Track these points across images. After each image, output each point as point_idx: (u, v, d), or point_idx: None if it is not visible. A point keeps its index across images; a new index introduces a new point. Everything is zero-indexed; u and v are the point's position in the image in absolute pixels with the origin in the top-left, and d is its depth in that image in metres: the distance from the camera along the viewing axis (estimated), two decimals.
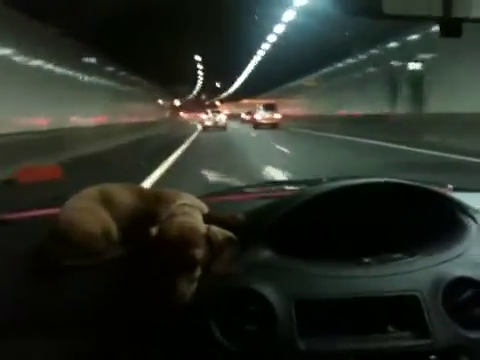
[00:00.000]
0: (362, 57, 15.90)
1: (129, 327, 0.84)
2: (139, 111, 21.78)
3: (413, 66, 11.72)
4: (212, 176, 5.08)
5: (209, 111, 25.38)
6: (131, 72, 20.21)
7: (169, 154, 8.61)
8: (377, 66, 14.16)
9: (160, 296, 0.81)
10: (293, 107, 27.21)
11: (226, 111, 28.91)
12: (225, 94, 55.94)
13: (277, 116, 20.99)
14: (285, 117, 23.90)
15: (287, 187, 1.43)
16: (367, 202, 1.00)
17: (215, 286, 0.83)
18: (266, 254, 0.89)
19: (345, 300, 0.83)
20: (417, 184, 1.02)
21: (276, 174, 5.97)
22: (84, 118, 12.59)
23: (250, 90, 40.65)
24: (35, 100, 9.26)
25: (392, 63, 12.95)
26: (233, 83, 43.93)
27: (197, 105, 59.38)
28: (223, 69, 30.89)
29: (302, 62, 19.34)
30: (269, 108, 21.62)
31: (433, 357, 0.80)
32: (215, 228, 0.87)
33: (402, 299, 0.84)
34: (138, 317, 0.84)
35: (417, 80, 11.12)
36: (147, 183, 5.26)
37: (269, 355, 0.80)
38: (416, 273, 0.87)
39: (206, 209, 0.96)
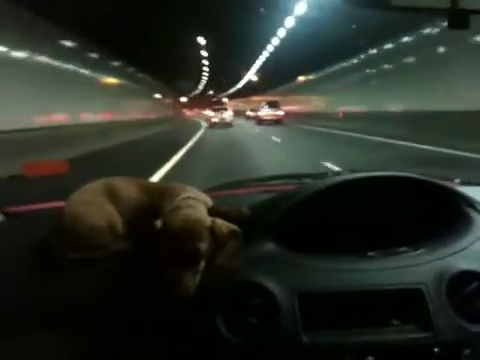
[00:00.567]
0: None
1: (133, 320, 0.89)
2: (134, 108, 20.25)
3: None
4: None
5: (216, 108, 26.42)
6: (126, 63, 18.91)
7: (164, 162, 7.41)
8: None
9: (164, 289, 0.85)
10: (307, 104, 27.07)
11: (231, 109, 28.87)
12: (233, 89, 55.83)
13: (280, 113, 22.70)
14: (297, 114, 25.58)
15: (291, 181, 1.48)
16: (372, 196, 1.04)
17: (219, 279, 0.87)
18: (270, 248, 0.93)
19: (348, 293, 0.87)
20: (423, 177, 1.06)
21: (268, 155, 8.90)
22: (60, 115, 10.85)
23: (259, 86, 40.90)
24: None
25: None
26: (241, 79, 44.25)
27: (203, 102, 59.70)
28: (230, 64, 31.02)
29: (312, 57, 19.57)
30: (272, 105, 23.41)
31: (436, 350, 0.84)
32: (219, 221, 0.91)
33: (406, 292, 0.88)
34: (142, 310, 0.89)
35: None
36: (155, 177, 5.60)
37: (272, 348, 0.84)
38: (420, 266, 0.91)
39: (210, 202, 1.00)
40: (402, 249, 0.98)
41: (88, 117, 13.11)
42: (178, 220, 0.87)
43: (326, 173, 1.44)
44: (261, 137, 14.14)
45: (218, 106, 28.82)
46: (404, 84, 13.02)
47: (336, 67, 19.88)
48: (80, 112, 12.49)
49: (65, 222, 0.95)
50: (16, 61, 9.08)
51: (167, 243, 0.86)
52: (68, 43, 12.41)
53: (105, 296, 0.90)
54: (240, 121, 29.81)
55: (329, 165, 6.22)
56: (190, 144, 12.21)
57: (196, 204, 0.94)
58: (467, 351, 0.84)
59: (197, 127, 24.02)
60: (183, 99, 58.09)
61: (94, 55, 15.08)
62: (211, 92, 61.89)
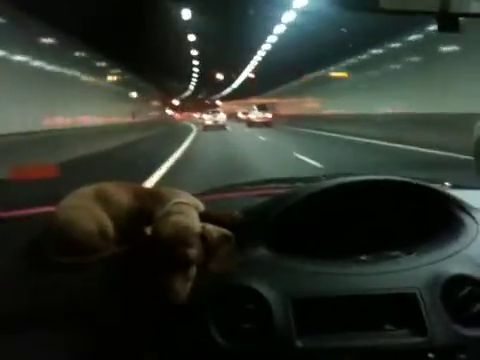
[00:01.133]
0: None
1: (124, 326, 0.93)
2: (108, 110, 17.19)
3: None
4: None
5: (209, 111, 28.55)
6: (98, 56, 16.48)
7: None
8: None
9: (155, 295, 0.89)
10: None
11: (225, 112, 29.96)
12: (228, 91, 55.02)
13: (269, 115, 26.98)
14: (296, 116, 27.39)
15: (284, 185, 1.54)
16: (364, 199, 1.09)
17: (211, 285, 0.91)
18: (263, 252, 0.97)
19: (342, 298, 0.92)
20: (415, 181, 1.11)
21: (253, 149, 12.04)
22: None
23: (255, 87, 41.08)
24: None
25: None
26: (236, 79, 44.47)
27: (195, 105, 59.90)
28: (225, 62, 31.21)
29: (308, 59, 19.85)
30: (262, 108, 27.78)
31: (431, 355, 0.88)
32: (210, 226, 0.95)
33: (399, 297, 0.92)
34: (134, 316, 0.93)
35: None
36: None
37: (266, 353, 0.88)
38: (414, 271, 0.95)
39: (202, 207, 1.05)
40: (395, 253, 1.02)
41: (40, 122, 10.40)
42: (168, 226, 0.91)
43: (318, 177, 1.49)
44: (250, 135, 18.78)
45: (211, 109, 30.56)
46: (383, 90, 14.96)
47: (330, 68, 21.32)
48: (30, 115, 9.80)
49: (56, 226, 0.99)
50: None
51: (158, 249, 0.90)
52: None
53: (96, 301, 0.94)
54: (234, 124, 30.72)
55: (299, 156, 9.06)
56: (174, 159, 9.84)
57: (187, 209, 0.98)
58: (462, 356, 0.89)
59: (187, 132, 23.33)
60: (175, 102, 58.40)
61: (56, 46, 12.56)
62: (201, 95, 62.18)
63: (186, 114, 60.88)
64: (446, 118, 9.59)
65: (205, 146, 14.61)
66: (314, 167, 7.54)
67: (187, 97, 62.31)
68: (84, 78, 14.84)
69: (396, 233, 1.08)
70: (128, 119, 20.23)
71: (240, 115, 37.65)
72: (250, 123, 26.51)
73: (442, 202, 1.10)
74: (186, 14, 17.68)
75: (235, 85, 48.08)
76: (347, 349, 0.89)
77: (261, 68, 30.75)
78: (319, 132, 18.23)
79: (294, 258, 0.99)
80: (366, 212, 1.11)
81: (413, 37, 13.24)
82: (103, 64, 17.87)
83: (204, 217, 0.99)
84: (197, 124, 31.40)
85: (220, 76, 39.57)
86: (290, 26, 17.96)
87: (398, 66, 14.54)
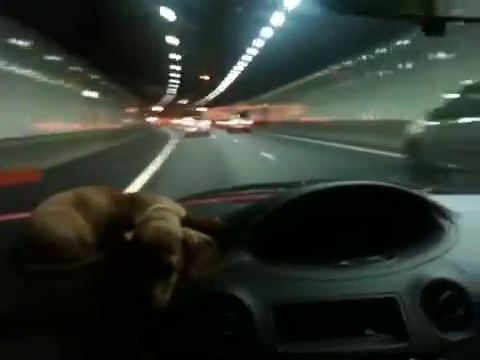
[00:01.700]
0: None
1: (104, 334, 0.96)
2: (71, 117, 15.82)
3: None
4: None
5: (191, 119, 29.93)
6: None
7: None
8: None
9: (136, 302, 0.92)
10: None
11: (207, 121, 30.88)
12: (214, 95, 55.27)
13: (249, 122, 31.09)
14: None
15: (265, 190, 1.62)
16: (345, 205, 1.15)
17: (192, 291, 0.95)
18: (244, 258, 1.02)
19: (323, 303, 0.97)
20: (396, 186, 1.18)
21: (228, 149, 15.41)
22: None
23: (244, 92, 41.42)
24: None
25: None
26: (223, 83, 44.66)
27: (177, 111, 59.99)
28: (210, 66, 31.35)
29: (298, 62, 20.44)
30: (243, 115, 31.82)
31: None
32: (192, 232, 0.99)
33: (380, 301, 0.97)
34: (113, 324, 0.96)
35: None
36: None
37: None
38: (394, 275, 1.01)
39: (183, 212, 1.09)
40: (375, 258, 1.08)
41: None
42: (149, 232, 0.95)
43: (299, 182, 1.56)
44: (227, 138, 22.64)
45: (194, 116, 31.48)
46: (357, 99, 17.65)
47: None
48: None
49: (32, 233, 1.02)
50: None
51: (138, 255, 0.93)
52: None
53: (74, 310, 0.97)
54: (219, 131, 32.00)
55: (263, 154, 12.37)
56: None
57: (168, 215, 1.01)
58: None
59: (163, 141, 20.91)
60: (158, 108, 58.39)
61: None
62: (185, 101, 62.34)
63: (165, 121, 61.20)
64: (387, 124, 11.94)
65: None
66: (269, 159, 11.33)
67: (169, 103, 62.48)
68: (34, 76, 12.96)
69: (377, 238, 1.14)
70: (90, 126, 18.17)
71: (220, 122, 40.49)
72: (230, 129, 29.84)
73: (422, 207, 1.17)
74: (168, 15, 17.52)
75: (222, 89, 47.80)
76: (329, 355, 0.94)
77: (249, 72, 31.18)
78: (287, 136, 21.81)
79: (275, 264, 1.03)
80: (347, 217, 1.16)
81: (380, 51, 16.55)
82: (58, 59, 15.54)
83: (185, 222, 1.03)
84: (178, 132, 30.94)
85: (205, 79, 39.73)
86: (279, 29, 18.29)
87: (372, 76, 17.34)
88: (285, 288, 0.98)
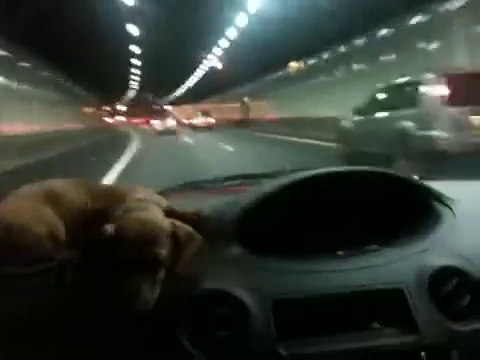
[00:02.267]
0: None
1: (83, 339, 0.92)
2: None
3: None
4: None
5: (157, 119, 31.16)
6: None
7: None
8: None
9: (118, 303, 0.87)
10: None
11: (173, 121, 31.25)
12: (182, 90, 54.17)
13: (212, 120, 32.92)
14: None
15: (247, 181, 1.63)
16: (336, 192, 1.14)
17: (180, 289, 0.92)
18: (235, 251, 1.00)
19: (324, 297, 0.95)
20: (391, 172, 1.17)
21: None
22: None
23: (219, 86, 41.24)
24: None
25: None
26: (192, 76, 44.39)
27: (140, 110, 59.59)
28: (176, 56, 31.15)
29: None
30: (205, 114, 33.81)
31: (423, 353, 0.93)
32: (179, 223, 0.96)
33: (386, 293, 0.96)
34: (93, 328, 0.91)
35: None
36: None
37: None
38: (397, 264, 1.00)
39: (165, 204, 1.05)
40: (372, 247, 1.07)
41: None
42: (132, 224, 0.91)
43: (283, 171, 1.56)
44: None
45: (160, 116, 32.46)
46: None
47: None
48: None
49: None
50: None
51: (120, 251, 0.89)
52: None
53: (50, 312, 0.92)
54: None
55: (222, 144, 14.91)
56: None
57: (150, 206, 0.98)
58: (454, 352, 0.94)
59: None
60: (120, 107, 57.47)
61: None
62: (148, 98, 61.95)
63: (125, 121, 60.43)
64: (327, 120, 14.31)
65: None
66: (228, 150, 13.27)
67: (131, 100, 61.82)
68: None
69: (372, 226, 1.14)
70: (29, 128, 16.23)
71: (184, 120, 42.43)
72: (193, 127, 32.36)
73: (419, 193, 1.18)
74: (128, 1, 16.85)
75: (190, 84, 47.13)
76: (335, 353, 0.92)
77: (226, 60, 31.24)
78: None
79: (268, 256, 1.01)
80: (337, 204, 1.16)
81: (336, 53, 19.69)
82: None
83: (169, 214, 0.99)
84: (141, 133, 30.16)
85: (170, 75, 39.39)
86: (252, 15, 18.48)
87: (329, 76, 20.50)
88: (283, 282, 0.96)
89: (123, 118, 60.93)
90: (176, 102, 60.46)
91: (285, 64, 23.32)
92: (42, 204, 1.03)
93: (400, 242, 1.08)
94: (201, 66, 35.93)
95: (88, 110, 35.44)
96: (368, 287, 0.97)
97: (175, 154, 14.32)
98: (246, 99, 35.30)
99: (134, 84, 46.29)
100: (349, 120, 8.79)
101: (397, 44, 15.34)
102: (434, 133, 5.99)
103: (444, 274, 0.98)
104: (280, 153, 12.41)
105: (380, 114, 7.48)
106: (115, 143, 21.60)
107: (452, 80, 6.01)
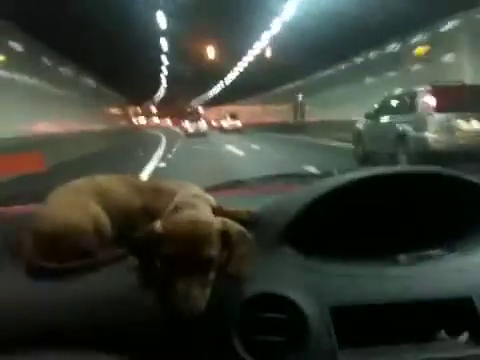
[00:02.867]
0: None
1: (130, 340, 0.94)
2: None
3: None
4: None
5: (188, 121, 32.29)
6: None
7: None
8: None
9: (168, 305, 0.89)
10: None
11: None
12: (215, 91, 53.46)
13: (239, 124, 35.28)
14: None
15: (292, 180, 1.64)
16: (394, 193, 1.14)
17: (234, 291, 0.93)
18: (288, 253, 1.01)
19: (387, 305, 0.95)
20: (448, 172, 1.16)
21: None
22: None
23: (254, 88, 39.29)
24: None
25: None
26: (225, 77, 42.88)
27: (172, 112, 60.84)
28: (210, 56, 30.05)
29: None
30: (233, 117, 36.45)
31: None
32: (230, 222, 0.97)
33: (454, 301, 0.96)
34: (141, 329, 0.93)
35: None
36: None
37: None
38: (465, 270, 0.99)
39: (214, 202, 1.07)
40: (436, 252, 1.06)
41: None
42: (183, 222, 0.93)
43: (331, 172, 1.58)
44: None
45: (191, 117, 33.58)
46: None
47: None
48: None
49: (44, 227, 1.01)
50: None
51: (170, 249, 0.91)
52: None
53: (91, 315, 0.94)
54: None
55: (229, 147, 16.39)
56: None
57: (200, 204, 1.00)
58: None
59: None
60: (152, 108, 58.59)
61: None
62: (181, 99, 62.45)
63: (154, 123, 60.68)
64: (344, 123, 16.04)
65: None
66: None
67: (162, 100, 62.61)
68: None
69: (431, 229, 1.12)
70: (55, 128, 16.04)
71: (213, 123, 45.07)
72: (222, 130, 34.67)
73: (478, 194, 1.13)
74: None
75: (227, 82, 45.59)
76: None
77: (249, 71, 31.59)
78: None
79: (324, 259, 1.00)
80: (395, 206, 1.14)
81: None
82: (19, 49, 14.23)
83: (218, 213, 1.01)
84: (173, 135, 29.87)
85: (202, 76, 39.34)
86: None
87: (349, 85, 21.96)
88: (341, 287, 0.96)
89: (155, 119, 61.69)
90: (211, 102, 60.08)
91: (333, 62, 22.96)
92: (89, 199, 1.06)
93: (464, 247, 1.07)
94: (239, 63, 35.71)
95: (116, 111, 35.65)
96: (434, 295, 0.96)
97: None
98: (300, 97, 29.46)
99: (165, 83, 46.15)
100: (362, 123, 10.80)
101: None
102: (426, 134, 7.94)
103: None
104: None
105: (385, 118, 9.53)
106: (144, 144, 21.35)
107: (437, 91, 8.05)
